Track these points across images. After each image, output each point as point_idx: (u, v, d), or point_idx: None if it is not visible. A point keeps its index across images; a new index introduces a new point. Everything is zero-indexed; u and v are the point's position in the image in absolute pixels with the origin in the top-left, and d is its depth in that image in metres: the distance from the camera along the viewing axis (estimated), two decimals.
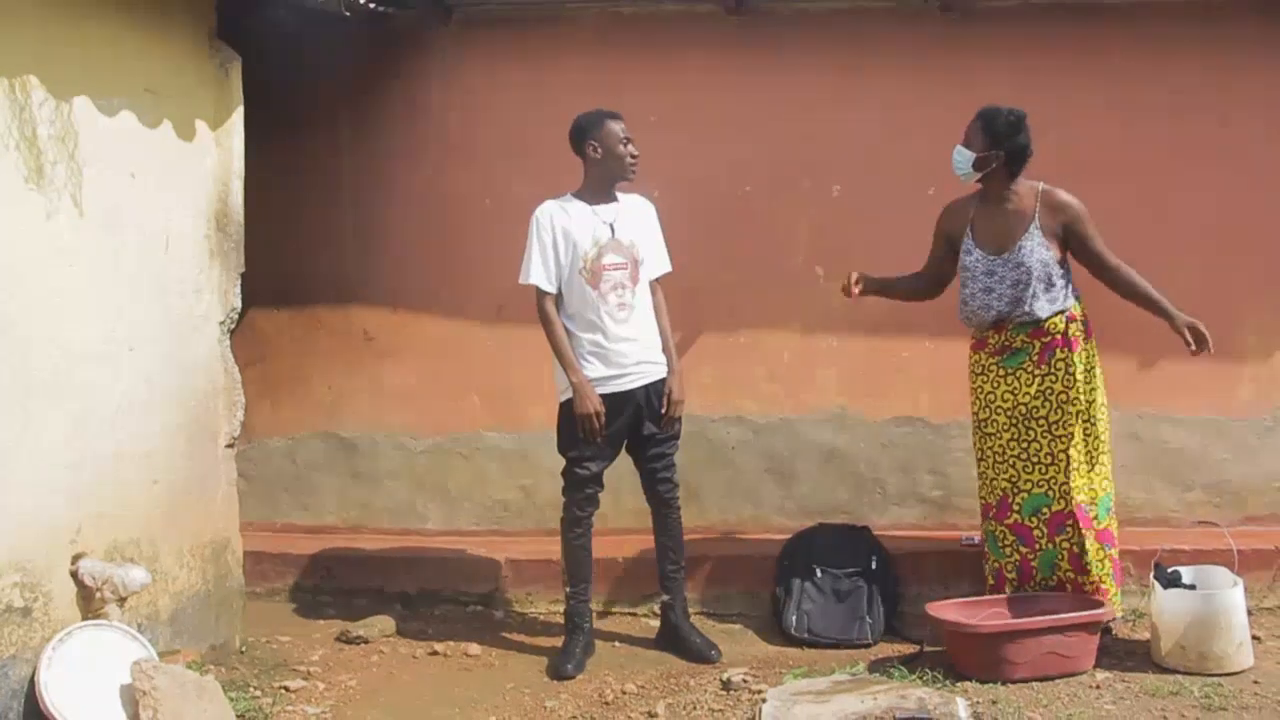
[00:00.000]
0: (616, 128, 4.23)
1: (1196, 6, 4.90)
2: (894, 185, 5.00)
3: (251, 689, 3.97)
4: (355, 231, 5.33)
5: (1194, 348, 4.10)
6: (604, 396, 4.16)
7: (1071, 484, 4.12)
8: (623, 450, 4.36)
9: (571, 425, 4.20)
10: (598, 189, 4.26)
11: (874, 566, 4.59)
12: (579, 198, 4.26)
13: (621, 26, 5.09)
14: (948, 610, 4.05)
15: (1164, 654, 3.93)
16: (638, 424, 4.27)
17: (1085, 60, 4.94)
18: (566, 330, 4.20)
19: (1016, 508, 4.21)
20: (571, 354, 4.17)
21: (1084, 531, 4.11)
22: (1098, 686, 3.79)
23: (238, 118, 4.31)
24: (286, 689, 3.99)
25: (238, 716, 3.64)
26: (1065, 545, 4.15)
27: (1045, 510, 4.17)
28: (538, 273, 4.19)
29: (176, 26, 4.06)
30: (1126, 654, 4.08)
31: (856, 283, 4.39)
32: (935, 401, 5.04)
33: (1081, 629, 3.89)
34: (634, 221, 4.30)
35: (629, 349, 4.21)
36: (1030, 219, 4.15)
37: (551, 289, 4.19)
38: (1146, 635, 4.13)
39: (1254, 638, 4.06)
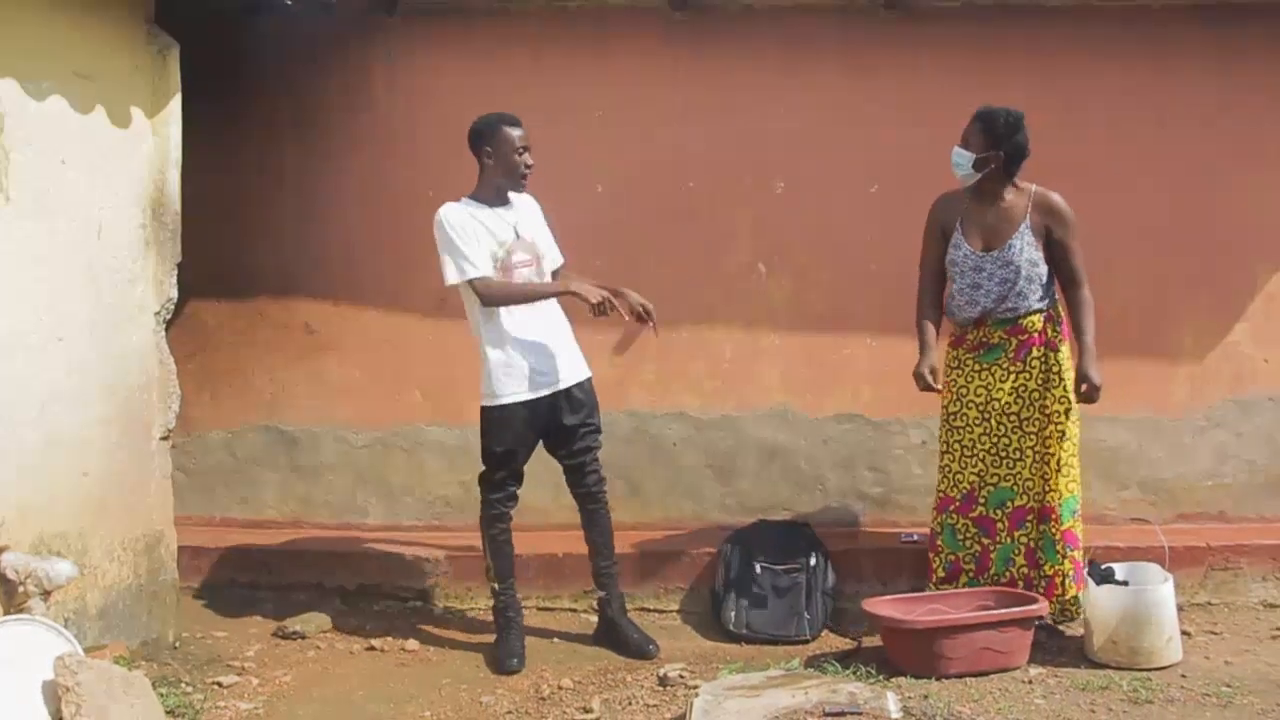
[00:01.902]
0: (513, 135, 4.14)
1: (1136, 11, 4.97)
2: (836, 182, 5.04)
3: (183, 684, 3.91)
4: (297, 223, 5.27)
5: (1079, 394, 4.16)
6: (525, 403, 4.15)
7: (1034, 481, 4.19)
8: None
9: (496, 425, 4.17)
10: (492, 193, 4.21)
11: (813, 563, 4.60)
12: (478, 200, 4.20)
13: (566, 21, 5.08)
14: (883, 606, 4.07)
15: (1096, 649, 3.98)
16: (558, 418, 4.23)
17: (1026, 60, 5.00)
18: (489, 333, 4.15)
19: (982, 500, 4.26)
20: (542, 282, 4.18)
21: (1047, 528, 4.18)
22: (1030, 681, 3.83)
23: (175, 105, 4.25)
24: (219, 684, 3.94)
25: (167, 712, 3.58)
26: (1023, 540, 4.22)
27: (1009, 504, 4.23)
28: (483, 264, 4.09)
29: (111, 11, 3.99)
30: (1060, 650, 4.12)
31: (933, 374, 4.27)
32: (876, 398, 5.08)
33: (1015, 625, 3.92)
34: (530, 219, 4.29)
35: (545, 345, 4.18)
36: (1022, 219, 4.19)
37: (492, 274, 4.12)
38: (1081, 631, 4.17)
39: (1184, 633, 4.12)
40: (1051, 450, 4.19)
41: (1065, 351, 4.23)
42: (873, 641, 4.20)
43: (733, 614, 4.47)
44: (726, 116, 5.06)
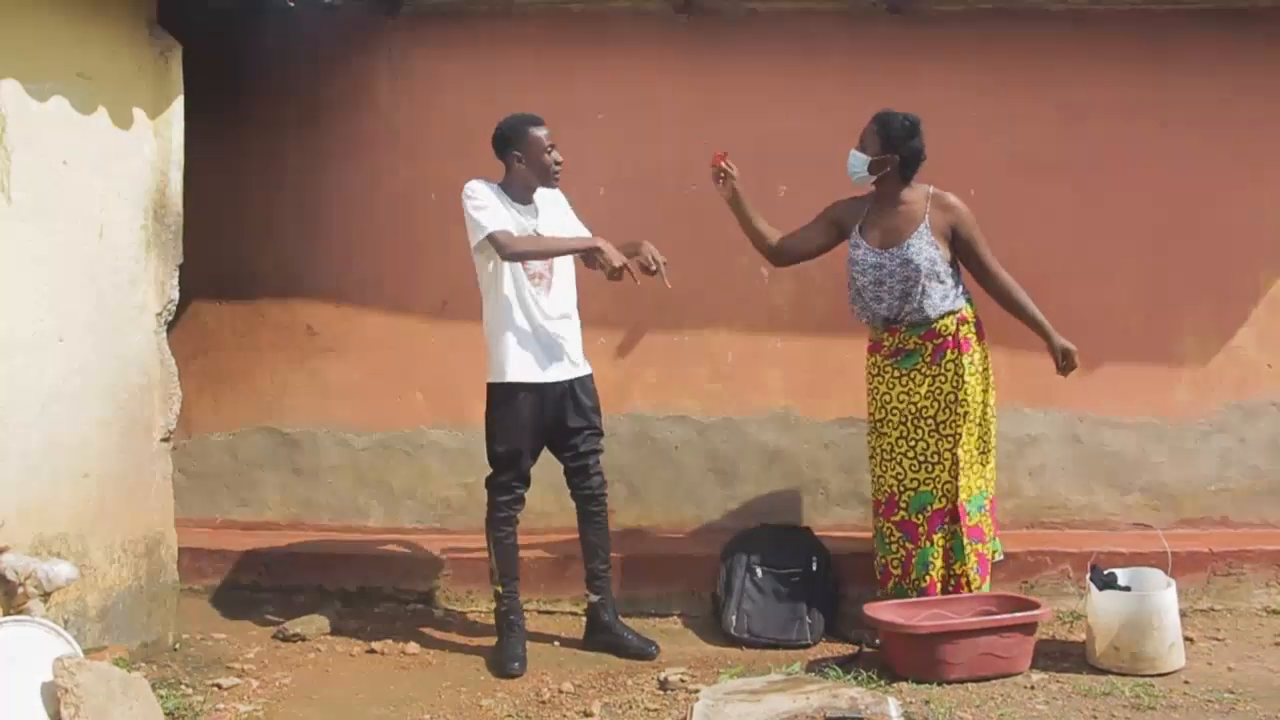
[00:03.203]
0: (540, 135, 4.19)
1: (1137, 14, 4.96)
2: (839, 185, 4.98)
3: (183, 686, 3.90)
4: (299, 225, 5.27)
5: (1062, 367, 4.26)
6: (528, 385, 4.14)
7: (958, 484, 4.19)
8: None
9: (501, 414, 4.16)
10: (520, 191, 4.24)
11: (815, 567, 4.59)
12: (505, 191, 4.22)
13: (570, 23, 5.08)
14: (885, 611, 4.06)
15: (1098, 655, 3.97)
16: (562, 418, 4.24)
17: (1030, 64, 4.99)
18: (500, 315, 4.16)
19: (903, 505, 4.27)
20: (566, 236, 4.19)
21: (956, 527, 4.20)
22: (1032, 687, 3.82)
23: (178, 106, 4.26)
24: (219, 686, 3.93)
25: (167, 714, 3.57)
26: (941, 543, 4.22)
27: (929, 508, 4.23)
28: (501, 219, 4.08)
29: (113, 12, 4.00)
30: (1063, 655, 4.11)
31: (726, 173, 4.39)
32: None
33: (1017, 630, 3.91)
34: (553, 219, 4.30)
35: (553, 338, 4.18)
36: (921, 219, 4.22)
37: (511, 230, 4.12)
38: (1083, 637, 4.16)
39: (1186, 639, 4.11)
40: (959, 450, 4.20)
41: (973, 353, 4.22)
42: (873, 646, 4.18)
43: (734, 618, 4.46)
44: (729, 119, 5.05)
